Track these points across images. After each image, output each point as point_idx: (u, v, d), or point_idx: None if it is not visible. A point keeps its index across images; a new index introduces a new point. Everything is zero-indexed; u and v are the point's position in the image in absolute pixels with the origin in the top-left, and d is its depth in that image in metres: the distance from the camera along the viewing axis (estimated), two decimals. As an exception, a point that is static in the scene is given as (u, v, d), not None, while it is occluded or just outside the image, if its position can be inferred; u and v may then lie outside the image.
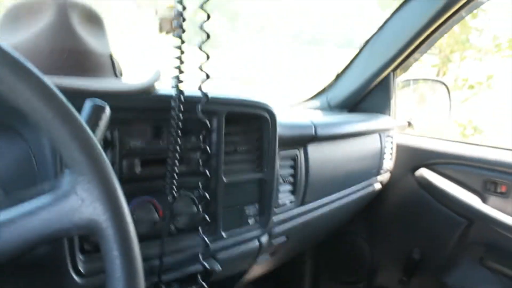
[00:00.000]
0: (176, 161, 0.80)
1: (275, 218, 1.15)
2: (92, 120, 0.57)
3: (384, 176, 1.71)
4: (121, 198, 0.50)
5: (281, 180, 1.13)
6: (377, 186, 1.68)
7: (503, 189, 1.55)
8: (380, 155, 1.62)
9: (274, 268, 1.55)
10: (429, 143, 1.76)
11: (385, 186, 1.74)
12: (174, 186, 0.81)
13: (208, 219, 0.87)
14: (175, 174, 0.80)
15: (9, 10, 0.81)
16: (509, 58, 5.12)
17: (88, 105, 0.57)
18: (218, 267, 0.92)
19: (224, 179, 0.90)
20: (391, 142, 1.70)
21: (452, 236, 1.63)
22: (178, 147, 0.79)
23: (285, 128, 1.09)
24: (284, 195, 1.16)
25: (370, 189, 1.63)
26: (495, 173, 1.56)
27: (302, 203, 1.25)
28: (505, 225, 1.49)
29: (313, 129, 1.20)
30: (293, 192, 1.19)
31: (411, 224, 1.75)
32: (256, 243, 1.04)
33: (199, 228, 0.87)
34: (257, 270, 1.37)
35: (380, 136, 1.60)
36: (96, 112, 0.58)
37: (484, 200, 1.58)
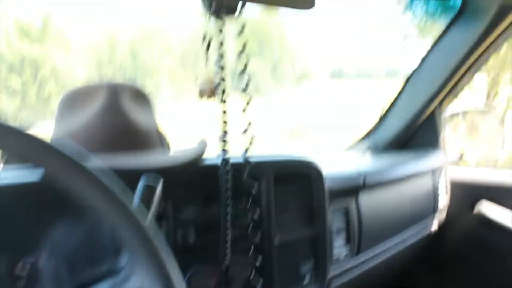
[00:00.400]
0: (228, 226, 0.81)
1: (332, 272, 1.13)
2: (146, 198, 0.60)
3: (441, 216, 1.65)
4: (176, 277, 0.52)
5: (334, 233, 1.12)
6: (435, 227, 1.62)
7: None
8: (434, 193, 1.58)
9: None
10: (485, 175, 1.69)
11: (443, 227, 1.68)
12: (227, 252, 0.82)
13: (263, 281, 0.88)
14: (228, 240, 0.82)
15: (66, 96, 0.86)
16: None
17: (141, 184, 0.60)
18: None
19: (276, 239, 0.91)
20: (445, 179, 1.65)
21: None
22: (229, 213, 0.81)
23: (333, 181, 1.09)
24: (339, 248, 1.15)
25: (427, 231, 1.58)
26: None
27: (357, 253, 1.23)
28: None
29: (362, 178, 1.19)
30: (347, 243, 1.17)
31: (475, 266, 1.67)
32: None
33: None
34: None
35: (432, 173, 1.56)
36: (149, 190, 0.61)
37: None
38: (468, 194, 1.68)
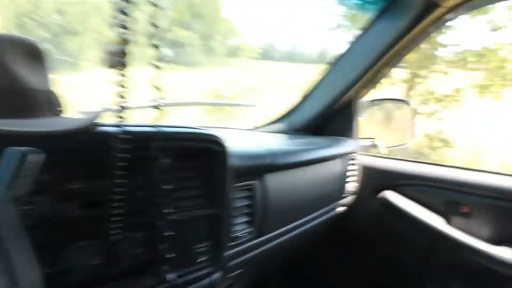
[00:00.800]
0: (119, 201, 0.75)
1: (230, 252, 1.11)
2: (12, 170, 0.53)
3: (348, 200, 1.69)
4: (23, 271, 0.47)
5: (235, 213, 1.09)
6: (341, 210, 1.66)
7: (465, 209, 1.55)
8: (343, 178, 1.61)
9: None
10: (393, 164, 1.75)
11: (350, 210, 1.72)
12: (117, 228, 0.76)
13: (154, 260, 0.83)
14: (117, 214, 0.76)
15: None
16: (475, 71, 5.26)
17: (7, 154, 0.53)
18: None
19: (171, 216, 0.86)
20: (355, 165, 1.69)
21: (417, 259, 1.62)
22: (121, 186, 0.75)
23: (239, 159, 1.06)
24: (240, 228, 1.12)
25: (333, 213, 1.61)
26: (457, 193, 1.56)
27: (260, 234, 1.21)
28: (467, 247, 1.49)
29: (270, 158, 1.17)
30: (250, 224, 1.15)
31: (376, 248, 1.73)
32: (207, 281, 1.00)
33: (146, 271, 0.83)
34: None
35: (342, 159, 1.59)
36: (16, 161, 0.54)
37: (447, 221, 1.58)
38: (375, 181, 1.73)
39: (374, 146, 1.93)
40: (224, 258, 1.06)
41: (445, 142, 5.21)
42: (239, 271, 1.23)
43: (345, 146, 1.62)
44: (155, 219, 0.83)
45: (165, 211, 0.85)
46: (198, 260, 0.95)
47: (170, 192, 0.85)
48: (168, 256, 0.86)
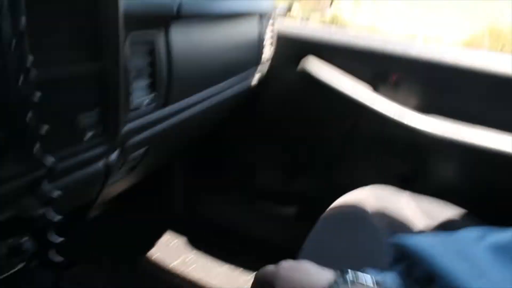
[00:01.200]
0: None
1: (129, 126, 0.85)
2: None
3: (264, 68, 1.47)
4: None
5: (133, 73, 0.82)
6: (255, 80, 1.45)
7: (393, 79, 1.41)
8: (259, 43, 1.36)
9: (138, 181, 1.28)
10: (313, 31, 1.53)
11: (265, 81, 1.51)
12: None
13: (22, 140, 0.56)
14: None
15: None
16: None
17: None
18: (56, 194, 0.61)
19: (36, 73, 0.56)
20: (272, 29, 1.45)
21: (339, 129, 1.49)
22: None
23: (136, 4, 0.77)
24: (140, 95, 0.86)
25: (247, 83, 1.39)
26: (385, 63, 1.41)
27: (165, 103, 0.96)
28: (393, 117, 1.37)
29: (176, 6, 0.88)
30: (152, 88, 0.89)
31: (295, 121, 1.57)
32: (101, 164, 0.76)
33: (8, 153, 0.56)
34: (113, 190, 1.10)
35: (259, 19, 1.33)
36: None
37: (375, 89, 1.44)
38: (294, 48, 1.51)
39: (289, 11, 1.70)
40: (122, 133, 0.80)
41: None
42: (141, 151, 0.99)
43: (262, 3, 1.35)
44: (12, 77, 0.54)
45: (26, 64, 0.55)
46: (85, 137, 0.68)
47: (25, 36, 0.55)
48: (38, 132, 0.58)
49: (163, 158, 1.37)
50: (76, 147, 0.67)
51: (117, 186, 1.09)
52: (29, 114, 0.56)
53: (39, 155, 0.57)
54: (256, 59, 1.37)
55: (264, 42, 1.40)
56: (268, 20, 1.40)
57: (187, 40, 0.97)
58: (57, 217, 0.61)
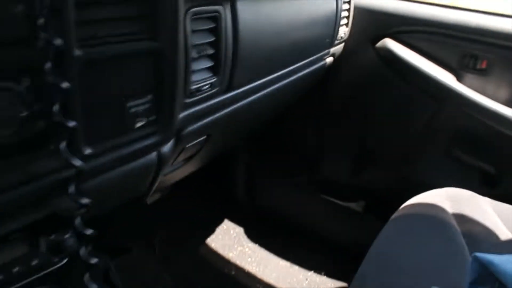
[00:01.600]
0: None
1: (187, 113, 0.76)
2: None
3: (339, 48, 1.33)
4: None
5: (194, 53, 0.72)
6: (329, 60, 1.31)
7: (483, 65, 1.23)
8: (334, 21, 1.22)
9: (197, 169, 1.20)
10: (394, 6, 1.37)
11: (338, 60, 1.37)
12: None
13: (54, 129, 0.47)
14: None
15: None
16: None
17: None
18: (84, 201, 0.53)
19: (80, 52, 0.48)
20: (348, 4, 1.29)
21: (417, 121, 1.33)
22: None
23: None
24: (202, 77, 0.76)
25: (319, 64, 1.26)
26: (475, 44, 1.23)
27: (229, 88, 0.86)
28: (481, 108, 1.20)
29: None
30: (214, 71, 0.79)
31: (367, 106, 1.42)
32: (153, 156, 0.67)
33: (41, 145, 0.48)
34: (169, 178, 1.02)
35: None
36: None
37: (459, 78, 1.26)
38: (371, 26, 1.36)
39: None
40: (178, 121, 0.71)
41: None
42: (200, 139, 0.90)
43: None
44: (48, 57, 0.45)
45: (68, 39, 0.46)
46: (136, 125, 0.59)
47: (72, 8, 0.46)
48: (80, 118, 0.49)
49: (225, 145, 1.28)
50: (125, 137, 0.58)
51: (175, 174, 1.02)
52: (73, 97, 0.48)
53: (67, 152, 0.48)
54: (330, 39, 1.23)
55: (341, 20, 1.25)
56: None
57: (255, 16, 0.86)
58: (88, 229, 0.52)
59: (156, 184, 0.76)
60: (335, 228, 1.54)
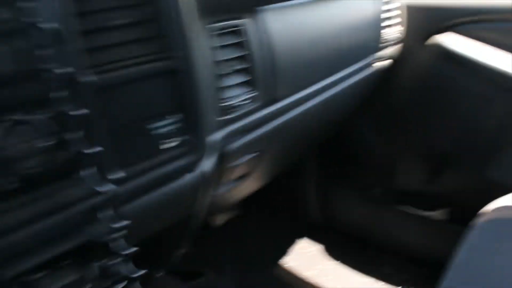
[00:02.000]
0: None
1: (228, 130, 0.76)
2: None
3: (389, 51, 1.27)
4: None
5: (223, 69, 0.72)
6: (379, 66, 1.25)
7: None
8: (381, 21, 1.17)
9: (266, 185, 1.19)
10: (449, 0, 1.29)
11: (396, 62, 1.30)
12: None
13: (78, 156, 0.49)
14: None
15: None
16: None
17: None
18: (120, 225, 0.54)
19: (90, 78, 0.49)
20: (393, 3, 1.23)
21: (491, 116, 1.22)
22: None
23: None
24: (237, 91, 0.75)
25: (371, 69, 1.21)
26: None
27: (272, 101, 0.85)
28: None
29: None
30: (252, 84, 0.78)
31: (434, 108, 1.33)
32: (193, 176, 0.66)
33: (71, 171, 0.50)
34: (230, 197, 1.02)
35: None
36: None
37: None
38: (425, 22, 1.29)
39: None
40: (219, 138, 0.71)
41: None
42: (250, 156, 0.89)
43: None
44: (63, 86, 0.47)
45: (77, 66, 0.48)
46: (166, 146, 0.59)
47: (77, 35, 0.48)
48: (102, 147, 0.51)
49: (285, 160, 1.26)
50: (156, 159, 0.58)
51: (233, 194, 1.01)
52: (77, 134, 0.49)
53: (94, 178, 0.49)
54: (378, 41, 1.18)
55: (387, 20, 1.20)
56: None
57: (287, 25, 0.85)
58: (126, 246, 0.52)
59: (205, 205, 0.76)
60: (415, 239, 1.44)
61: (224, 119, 0.73)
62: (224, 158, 0.78)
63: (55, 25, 0.45)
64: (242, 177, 0.96)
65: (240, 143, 0.81)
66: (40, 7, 0.45)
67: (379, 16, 1.17)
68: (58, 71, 0.46)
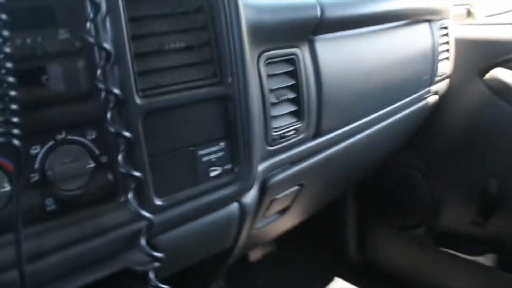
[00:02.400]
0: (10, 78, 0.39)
1: (272, 161, 0.73)
2: None
3: (441, 85, 1.23)
4: None
5: (273, 98, 0.69)
6: (432, 99, 1.21)
7: None
8: (433, 54, 1.14)
9: (299, 222, 1.15)
10: (499, 33, 1.24)
11: (443, 98, 1.26)
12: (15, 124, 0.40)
13: (123, 177, 0.47)
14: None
15: None
16: None
17: None
18: (158, 255, 0.51)
19: (140, 101, 0.48)
20: (447, 35, 1.20)
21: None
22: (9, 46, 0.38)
23: (267, 12, 0.66)
24: (284, 122, 0.73)
25: (421, 104, 1.17)
26: None
27: (318, 133, 0.82)
28: None
29: (319, 9, 0.74)
30: (298, 115, 0.75)
31: (483, 147, 1.26)
32: (232, 208, 0.63)
33: (113, 195, 0.48)
34: (266, 234, 0.98)
35: (430, 26, 1.11)
36: None
37: None
38: (477, 57, 1.24)
39: (470, 14, 1.44)
40: (262, 170, 0.69)
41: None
42: (291, 190, 0.86)
43: (433, 3, 1.12)
44: (111, 107, 0.45)
45: (128, 89, 0.47)
46: (210, 175, 0.57)
47: (129, 56, 0.47)
48: (144, 172, 0.49)
49: (324, 195, 1.21)
50: (198, 188, 0.56)
51: (272, 228, 0.98)
52: (138, 148, 0.48)
53: (135, 204, 0.47)
54: (430, 75, 1.14)
55: (439, 52, 1.16)
56: (442, 24, 1.17)
57: (338, 56, 0.82)
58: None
59: (243, 238, 0.73)
60: (460, 286, 1.35)
61: (269, 150, 0.71)
62: (266, 190, 0.75)
63: (107, 46, 0.44)
64: (282, 211, 0.92)
65: (283, 176, 0.78)
66: (94, 29, 0.44)
67: (434, 49, 1.13)
68: (107, 92, 0.45)
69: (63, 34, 0.44)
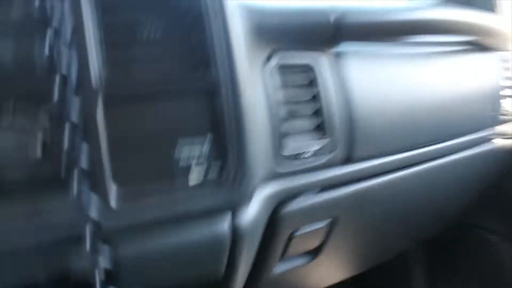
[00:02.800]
0: None
1: (286, 183, 0.63)
2: None
3: (507, 126, 1.05)
4: None
5: (284, 112, 0.61)
6: (501, 143, 1.04)
7: None
8: (495, 89, 0.98)
9: (348, 274, 1.01)
10: None
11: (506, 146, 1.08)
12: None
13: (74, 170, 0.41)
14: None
15: None
16: None
17: None
18: (103, 264, 0.42)
19: (99, 88, 0.42)
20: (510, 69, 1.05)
21: None
22: None
23: (270, 13, 0.60)
24: (299, 140, 0.63)
25: (491, 145, 1.01)
26: None
27: (350, 158, 0.70)
28: None
29: (332, 15, 0.64)
30: (319, 131, 0.66)
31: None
32: (221, 228, 0.53)
33: (59, 188, 0.41)
34: (297, 283, 0.86)
35: (489, 54, 0.97)
36: None
37: None
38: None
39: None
40: (272, 193, 0.59)
41: None
42: (320, 224, 0.74)
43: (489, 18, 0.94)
44: (78, 90, 0.40)
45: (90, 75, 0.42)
46: (189, 178, 0.48)
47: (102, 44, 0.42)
48: (99, 166, 0.42)
49: (377, 244, 1.05)
50: (173, 193, 0.47)
51: (300, 276, 0.85)
52: (97, 135, 0.42)
53: (84, 201, 0.40)
54: (492, 110, 0.99)
55: (501, 89, 1.01)
56: (502, 56, 1.02)
57: (375, 73, 0.73)
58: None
59: (243, 270, 0.62)
60: None
61: (279, 170, 0.61)
62: (279, 220, 0.64)
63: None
64: (310, 254, 0.80)
65: (304, 204, 0.67)
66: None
67: (497, 83, 0.99)
68: (60, 74, 0.40)
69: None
